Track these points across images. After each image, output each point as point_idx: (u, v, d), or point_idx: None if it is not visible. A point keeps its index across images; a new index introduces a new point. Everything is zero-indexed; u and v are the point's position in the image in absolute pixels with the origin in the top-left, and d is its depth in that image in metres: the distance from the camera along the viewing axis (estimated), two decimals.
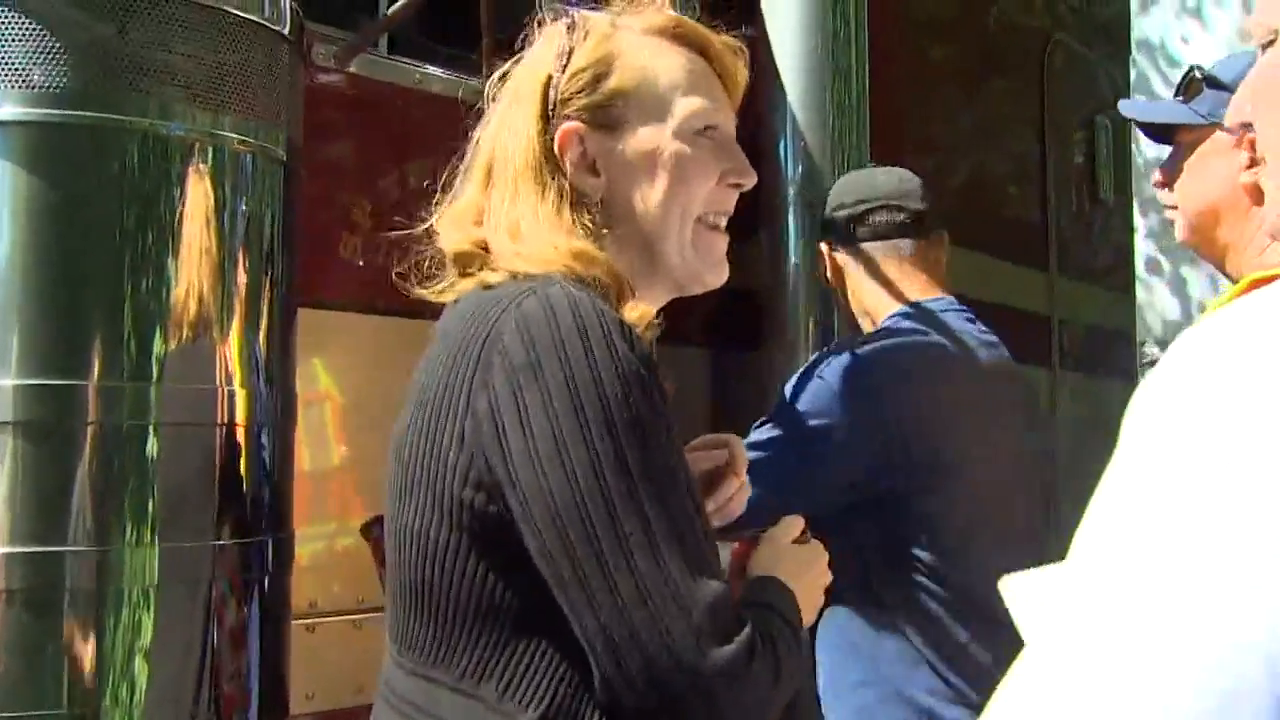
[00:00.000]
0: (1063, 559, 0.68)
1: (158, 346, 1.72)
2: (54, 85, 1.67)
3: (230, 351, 1.81)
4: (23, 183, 1.67)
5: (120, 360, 1.69)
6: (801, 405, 1.93)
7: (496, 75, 1.29)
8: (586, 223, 1.19)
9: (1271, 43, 0.83)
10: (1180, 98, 1.64)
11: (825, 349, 2.28)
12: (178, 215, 1.75)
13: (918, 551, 1.90)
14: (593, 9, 1.28)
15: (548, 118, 1.21)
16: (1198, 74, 1.62)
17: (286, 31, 1.91)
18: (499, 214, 1.20)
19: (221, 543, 1.77)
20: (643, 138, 1.22)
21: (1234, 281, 1.38)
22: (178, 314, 1.74)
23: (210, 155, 1.79)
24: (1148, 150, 7.64)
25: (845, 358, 1.97)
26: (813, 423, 1.91)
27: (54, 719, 1.63)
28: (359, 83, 2.75)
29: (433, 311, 1.22)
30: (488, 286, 1.15)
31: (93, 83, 1.69)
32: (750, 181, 1.28)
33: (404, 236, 1.25)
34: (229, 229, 1.81)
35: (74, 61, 1.67)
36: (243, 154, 1.84)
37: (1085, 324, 5.19)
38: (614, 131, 1.22)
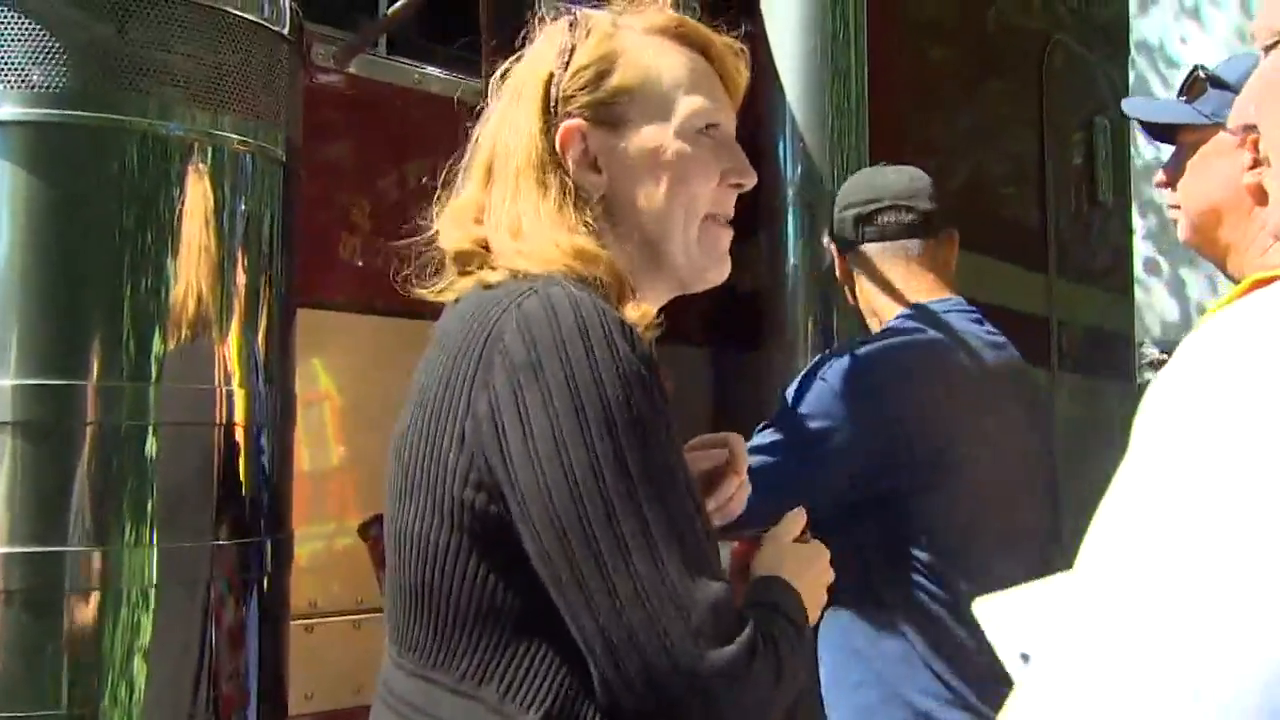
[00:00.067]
0: (1065, 560, 0.68)
1: (157, 346, 1.72)
2: (53, 85, 1.67)
3: (229, 352, 1.80)
4: (22, 183, 1.67)
5: (119, 360, 1.68)
6: (804, 408, 1.93)
7: (499, 73, 1.28)
8: (588, 220, 1.18)
9: (1275, 44, 0.83)
10: (1184, 98, 1.64)
11: (827, 351, 2.28)
12: (177, 215, 1.74)
13: (918, 552, 1.89)
14: (594, 8, 1.28)
15: (549, 115, 1.21)
16: (1202, 74, 1.62)
17: (286, 32, 1.91)
18: (500, 211, 1.20)
19: (220, 543, 1.77)
20: (645, 136, 1.22)
21: (1235, 282, 1.38)
22: (177, 314, 1.73)
23: (209, 155, 1.79)
24: (1146, 152, 7.65)
25: (847, 359, 1.97)
26: (815, 425, 1.90)
27: (53, 719, 1.63)
28: (358, 83, 2.76)
29: (432, 311, 1.21)
30: (488, 286, 1.14)
31: (92, 83, 1.69)
32: (751, 182, 1.28)
33: (403, 236, 1.25)
34: (228, 229, 1.81)
35: (73, 61, 1.67)
36: (242, 154, 1.83)
37: (1084, 325, 5.19)
38: (616, 129, 1.22)
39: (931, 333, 2.02)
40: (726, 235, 1.28)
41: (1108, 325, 5.46)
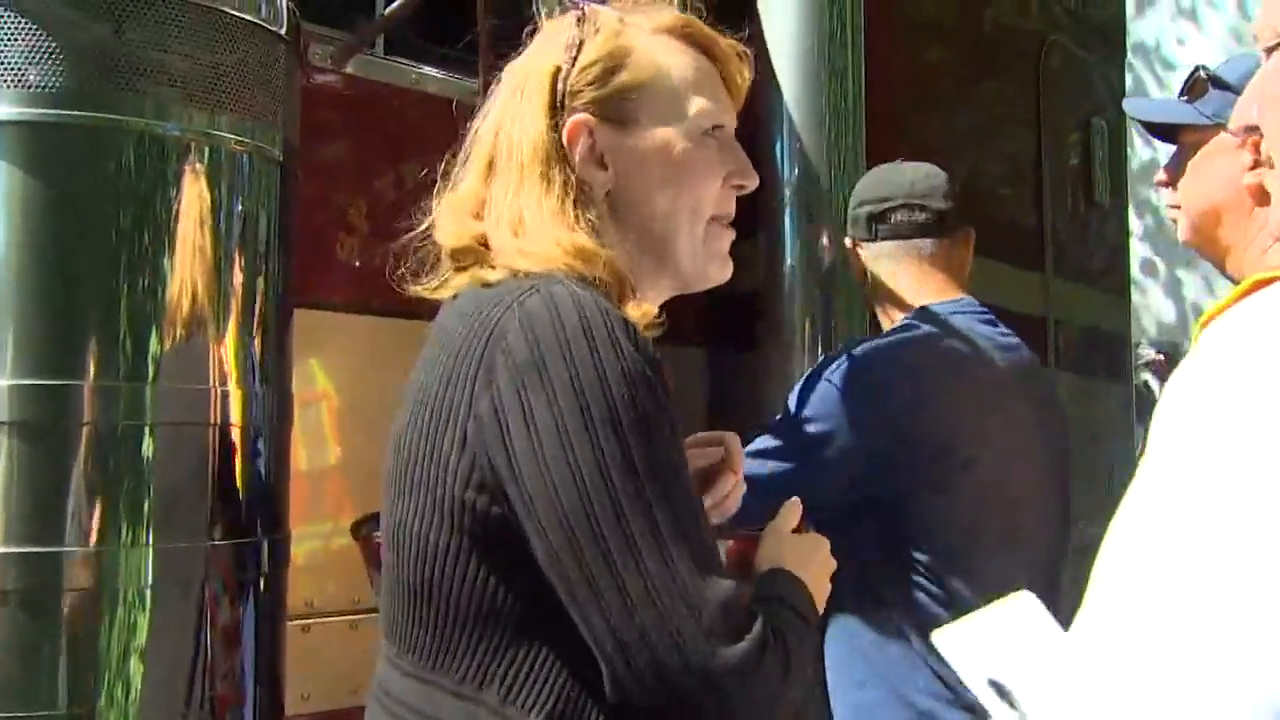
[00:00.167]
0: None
1: (153, 346, 1.71)
2: (50, 85, 1.67)
3: (226, 352, 1.80)
4: (19, 182, 1.67)
5: (116, 360, 1.68)
6: (808, 410, 1.92)
7: (506, 69, 1.28)
8: (591, 218, 1.18)
9: (1277, 46, 0.83)
10: (1185, 98, 1.64)
11: (833, 351, 2.27)
12: (173, 215, 1.74)
13: (918, 552, 1.89)
14: (599, 4, 1.28)
15: (556, 109, 1.20)
16: (1203, 74, 1.62)
17: (283, 32, 1.91)
18: (501, 205, 1.19)
19: (217, 543, 1.77)
20: (654, 134, 1.21)
21: (1235, 282, 1.38)
22: (173, 314, 1.73)
23: (206, 155, 1.78)
24: (1143, 153, 7.66)
25: (851, 359, 1.96)
26: (819, 426, 1.90)
27: (49, 719, 1.63)
28: (355, 83, 2.76)
29: (429, 311, 1.21)
30: (487, 284, 1.14)
31: (88, 83, 1.68)
32: (752, 183, 1.27)
33: (400, 234, 1.25)
34: (225, 229, 1.81)
35: (70, 61, 1.67)
36: (239, 154, 1.83)
37: (1080, 325, 5.19)
38: (624, 126, 1.21)
39: (940, 334, 2.01)
40: (729, 236, 1.28)
41: (1104, 325, 5.46)
